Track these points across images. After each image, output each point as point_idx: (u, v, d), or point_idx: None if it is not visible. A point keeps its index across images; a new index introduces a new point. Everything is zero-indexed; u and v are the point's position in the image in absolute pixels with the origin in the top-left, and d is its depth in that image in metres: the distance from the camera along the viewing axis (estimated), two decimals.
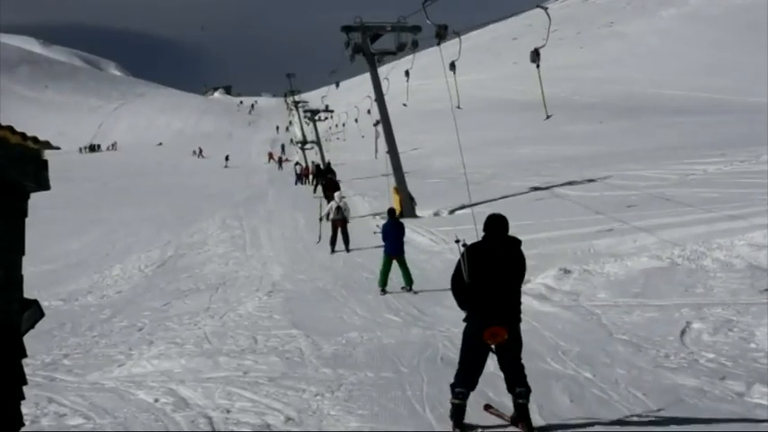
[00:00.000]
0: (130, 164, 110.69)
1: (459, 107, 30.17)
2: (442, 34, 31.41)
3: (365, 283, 21.52)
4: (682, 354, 11.93)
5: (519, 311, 9.18)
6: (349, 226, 28.85)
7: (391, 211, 22.45)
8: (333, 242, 28.53)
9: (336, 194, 30.39)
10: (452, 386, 9.23)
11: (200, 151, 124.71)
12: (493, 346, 9.08)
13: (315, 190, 52.97)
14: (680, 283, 16.34)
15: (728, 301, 14.63)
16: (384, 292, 19.80)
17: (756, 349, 11.86)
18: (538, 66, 25.96)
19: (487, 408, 9.76)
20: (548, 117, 28.38)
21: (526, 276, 9.87)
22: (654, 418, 9.42)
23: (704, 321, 13.42)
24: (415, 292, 19.56)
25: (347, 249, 28.10)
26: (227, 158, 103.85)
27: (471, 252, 9.12)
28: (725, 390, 10.16)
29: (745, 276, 16.11)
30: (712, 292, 15.50)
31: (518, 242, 9.25)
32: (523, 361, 9.20)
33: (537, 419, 9.44)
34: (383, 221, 23.55)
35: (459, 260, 9.18)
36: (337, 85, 73.50)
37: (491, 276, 8.97)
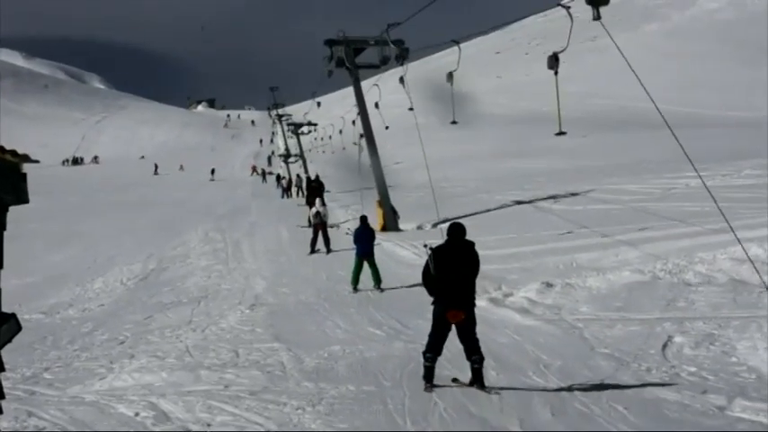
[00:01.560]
0: (113, 177, 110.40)
1: (454, 122, 30.23)
2: (403, 55, 31.74)
3: (348, 296, 21.49)
4: (663, 368, 11.94)
5: (474, 298, 11.68)
6: (331, 235, 30.95)
7: (363, 218, 24.32)
8: (313, 243, 31.18)
9: (317, 201, 33.02)
10: (424, 353, 11.82)
11: (156, 168, 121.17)
12: (453, 324, 11.50)
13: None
14: (662, 297, 16.35)
15: (710, 314, 14.64)
16: (356, 290, 22.15)
17: (738, 363, 11.87)
18: (556, 72, 23.35)
19: (454, 380, 11.92)
20: (561, 133, 25.29)
21: (508, 289, 13.80)
22: None
23: (686, 335, 13.43)
24: (382, 290, 21.83)
25: (328, 251, 30.48)
26: (212, 172, 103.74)
27: (436, 252, 11.72)
28: (706, 403, 10.16)
29: (727, 290, 16.14)
30: (694, 306, 15.52)
31: (472, 244, 11.80)
32: (503, 374, 10.73)
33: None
34: (355, 227, 24.99)
35: (428, 259, 11.75)
36: (318, 105, 73.52)
37: (451, 271, 11.47)
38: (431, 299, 11.81)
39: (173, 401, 11.95)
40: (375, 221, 34.00)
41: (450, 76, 28.85)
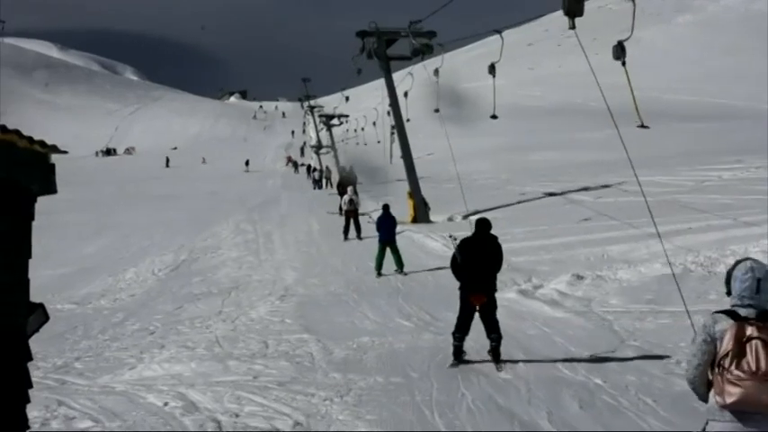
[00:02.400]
0: (146, 167, 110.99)
1: (495, 116, 30.02)
2: (424, 51, 31.63)
3: (377, 287, 21.49)
4: None
5: (495, 285, 13.02)
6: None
7: (385, 206, 25.60)
8: (346, 231, 32.47)
9: (349, 189, 34.20)
10: (453, 333, 13.04)
11: (167, 161, 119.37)
12: (477, 307, 12.83)
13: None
14: (693, 290, 16.22)
15: None
16: (379, 275, 23.18)
17: None
18: (623, 63, 21.05)
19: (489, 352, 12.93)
20: (642, 126, 23.69)
21: (538, 281, 14.98)
22: (664, 425, 9.36)
23: None
24: (405, 274, 23.04)
25: (359, 237, 31.77)
26: (246, 163, 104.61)
27: (463, 243, 13.18)
28: None
29: None
30: (725, 299, 15.39)
31: (495, 238, 13.15)
32: (532, 366, 11.04)
33: (546, 425, 9.45)
34: (378, 214, 26.27)
35: (455, 249, 13.21)
36: (347, 100, 73.66)
37: (476, 260, 12.81)
38: (458, 286, 13.18)
39: (201, 391, 12.01)
40: (406, 213, 34.04)
41: (491, 67, 28.39)
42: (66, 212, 43.74)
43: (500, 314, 13.13)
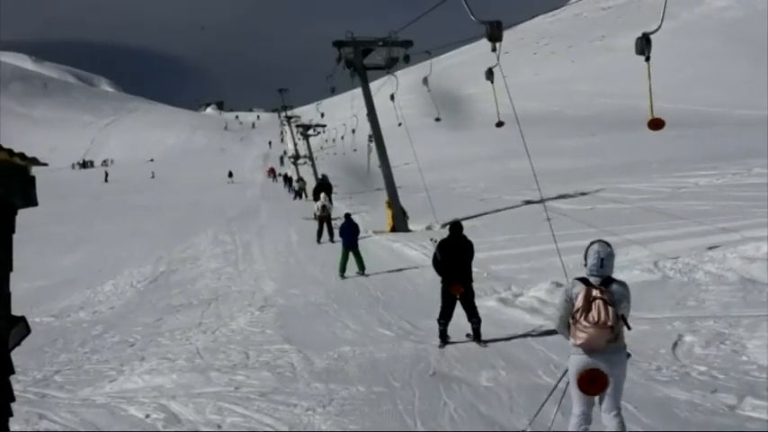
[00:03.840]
0: (121, 180, 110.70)
1: (500, 123, 29.96)
2: (402, 59, 31.87)
3: (357, 297, 21.46)
4: (674, 367, 11.90)
5: (471, 276, 15.24)
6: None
7: (347, 215, 27.55)
8: (319, 234, 34.90)
9: (322, 195, 36.76)
10: (438, 320, 15.14)
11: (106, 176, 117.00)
12: (457, 296, 15.05)
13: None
14: (672, 296, 16.31)
15: (720, 313, 14.59)
16: (343, 277, 25.03)
17: (748, 362, 11.83)
18: (648, 58, 18.12)
19: (468, 335, 15.12)
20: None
21: (518, 289, 16.93)
22: None
23: (696, 334, 13.39)
24: (367, 275, 24.77)
25: (331, 240, 33.67)
26: (230, 174, 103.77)
27: (441, 244, 15.45)
28: (717, 403, 10.14)
29: (738, 289, 16.09)
30: (704, 304, 15.47)
31: (467, 239, 15.49)
32: (513, 374, 11.20)
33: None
34: (341, 222, 27.80)
35: (435, 249, 15.52)
36: (322, 116, 73.84)
37: (453, 257, 15.11)
38: (440, 280, 15.34)
39: (183, 403, 11.99)
40: (384, 222, 34.09)
41: (489, 72, 28.34)
42: (44, 225, 43.56)
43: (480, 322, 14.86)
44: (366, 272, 25.24)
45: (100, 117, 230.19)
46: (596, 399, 8.19)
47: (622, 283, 8.17)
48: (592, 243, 8.35)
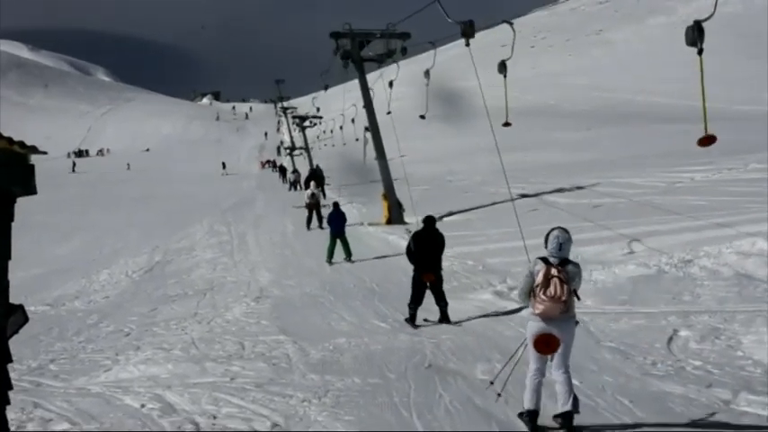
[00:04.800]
0: (118, 170, 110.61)
1: (507, 123, 29.87)
2: (400, 51, 31.96)
3: (353, 289, 21.45)
4: (669, 361, 11.93)
5: (440, 265, 16.73)
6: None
7: (335, 204, 29.10)
8: (308, 221, 36.45)
9: (312, 184, 39.08)
10: (409, 304, 16.49)
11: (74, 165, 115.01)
12: (428, 284, 16.44)
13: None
14: (667, 291, 16.34)
15: (715, 308, 14.63)
16: (330, 263, 26.16)
17: (743, 357, 11.86)
18: (700, 50, 16.14)
19: (425, 320, 16.48)
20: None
21: (513, 283, 17.10)
22: (640, 426, 9.41)
23: (691, 329, 13.42)
24: (353, 262, 26.03)
25: (321, 227, 34.76)
26: (223, 166, 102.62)
27: (415, 235, 17.10)
28: (711, 397, 10.16)
29: (733, 284, 16.12)
30: (699, 299, 15.50)
31: (439, 231, 16.97)
32: (509, 366, 10.68)
33: (523, 426, 9.49)
34: (329, 211, 29.14)
35: (409, 240, 17.23)
36: (326, 89, 73.31)
37: (425, 248, 16.59)
38: (412, 268, 16.87)
39: (178, 393, 11.99)
40: (381, 214, 34.08)
41: (502, 65, 28.39)
42: (39, 214, 43.49)
43: (476, 315, 16.14)
44: (353, 258, 26.34)
45: (96, 106, 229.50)
46: (548, 358, 9.52)
47: (576, 264, 9.55)
48: (552, 229, 9.55)
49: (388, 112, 34.98)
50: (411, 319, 16.39)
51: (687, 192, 28.08)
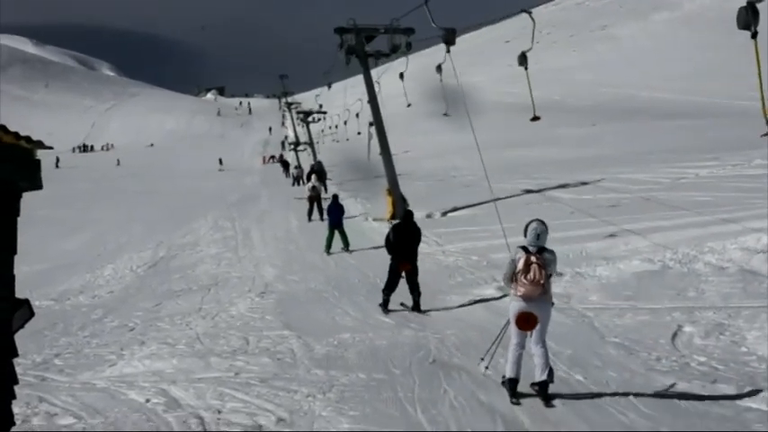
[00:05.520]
0: (123, 164, 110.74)
1: (536, 117, 29.86)
2: (401, 46, 32.05)
3: (357, 284, 21.47)
4: (673, 357, 11.93)
5: (416, 256, 17.96)
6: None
7: (335, 196, 30.55)
8: (309, 213, 37.58)
9: (312, 177, 40.83)
10: (383, 290, 17.71)
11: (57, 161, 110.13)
12: (403, 273, 17.63)
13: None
14: (672, 287, 16.33)
15: (720, 304, 14.63)
16: (328, 254, 27.31)
17: (748, 353, 11.87)
18: (755, 34, 16.57)
19: (401, 304, 17.64)
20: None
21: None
22: (645, 421, 9.41)
23: (696, 325, 13.43)
24: (350, 252, 27.28)
25: (321, 219, 35.24)
26: (220, 161, 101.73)
27: (395, 227, 18.46)
28: (716, 393, 10.17)
29: (737, 280, 16.12)
30: (704, 295, 15.50)
31: (417, 225, 18.57)
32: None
33: (527, 421, 9.50)
34: (329, 202, 30.59)
35: (389, 231, 18.53)
36: (329, 87, 73.21)
37: (403, 239, 17.86)
38: (390, 258, 18.10)
39: (183, 388, 12.01)
40: (384, 210, 34.07)
41: (522, 57, 29.17)
42: (43, 208, 43.53)
43: (480, 311, 16.26)
44: (350, 248, 27.59)
45: (101, 101, 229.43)
46: (528, 333, 10.58)
47: (551, 252, 10.68)
48: (531, 221, 10.74)
49: (408, 105, 34.99)
50: (384, 305, 17.62)
51: (692, 187, 28.06)
